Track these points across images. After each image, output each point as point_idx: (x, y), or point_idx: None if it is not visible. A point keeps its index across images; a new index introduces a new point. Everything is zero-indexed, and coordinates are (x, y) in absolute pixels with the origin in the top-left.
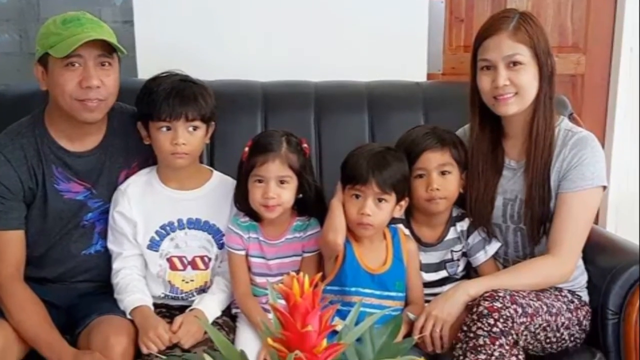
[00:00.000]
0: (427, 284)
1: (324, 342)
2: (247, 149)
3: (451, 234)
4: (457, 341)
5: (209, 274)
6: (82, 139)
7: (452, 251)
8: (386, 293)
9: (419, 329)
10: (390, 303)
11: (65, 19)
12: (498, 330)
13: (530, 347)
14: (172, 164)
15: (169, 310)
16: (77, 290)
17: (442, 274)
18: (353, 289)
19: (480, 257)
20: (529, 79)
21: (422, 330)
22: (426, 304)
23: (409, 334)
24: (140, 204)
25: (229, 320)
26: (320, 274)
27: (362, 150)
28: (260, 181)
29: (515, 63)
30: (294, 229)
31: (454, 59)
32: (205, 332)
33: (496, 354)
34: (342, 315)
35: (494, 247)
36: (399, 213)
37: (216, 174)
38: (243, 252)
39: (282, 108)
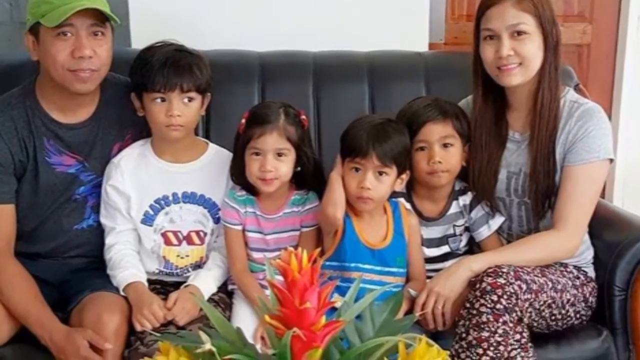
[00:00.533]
0: (429, 260)
1: (323, 319)
2: (243, 120)
3: (453, 208)
4: (459, 318)
5: (204, 249)
6: (74, 110)
7: (454, 226)
8: (387, 269)
9: (420, 306)
10: (391, 279)
11: None
12: (502, 307)
13: (535, 324)
14: (167, 136)
15: (163, 286)
16: (69, 266)
17: (444, 249)
18: (352, 264)
19: (484, 232)
20: (533, 49)
21: (424, 307)
22: (428, 280)
23: (410, 311)
24: (134, 177)
25: (225, 296)
26: (319, 249)
27: (362, 122)
28: (257, 154)
29: (519, 32)
30: (292, 203)
31: (457, 28)
32: (201, 309)
33: (500, 331)
34: (342, 291)
35: (497, 221)
36: (400, 187)
37: (212, 147)
38: (240, 227)
39: (279, 79)
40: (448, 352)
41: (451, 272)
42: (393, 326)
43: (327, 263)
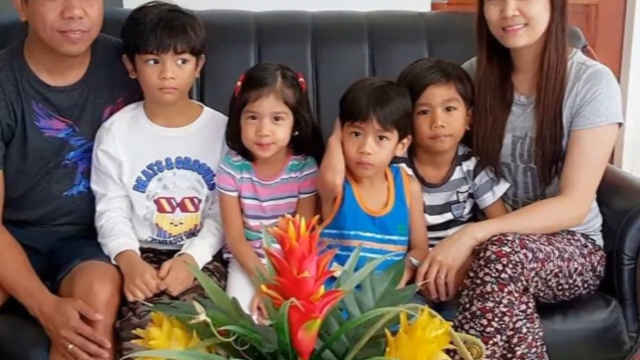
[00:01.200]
0: (431, 227)
1: (322, 289)
2: (239, 83)
3: (457, 174)
4: (463, 288)
5: (198, 216)
6: (64, 72)
7: (457, 192)
8: (387, 237)
9: (422, 275)
10: (392, 247)
11: None
12: (507, 276)
13: (541, 294)
14: (160, 99)
15: (156, 255)
16: (59, 234)
17: (447, 216)
18: (352, 232)
19: (488, 199)
20: (539, 9)
21: (426, 277)
22: (430, 249)
23: (411, 281)
24: (126, 142)
25: (220, 265)
26: (317, 217)
27: (362, 85)
28: (253, 118)
29: None
30: (289, 169)
31: None
32: (195, 279)
33: (505, 301)
34: (341, 260)
35: (502, 187)
36: (401, 152)
37: (206, 110)
38: (235, 194)
39: (277, 40)
40: (451, 323)
41: (454, 240)
42: (394, 296)
43: (326, 231)
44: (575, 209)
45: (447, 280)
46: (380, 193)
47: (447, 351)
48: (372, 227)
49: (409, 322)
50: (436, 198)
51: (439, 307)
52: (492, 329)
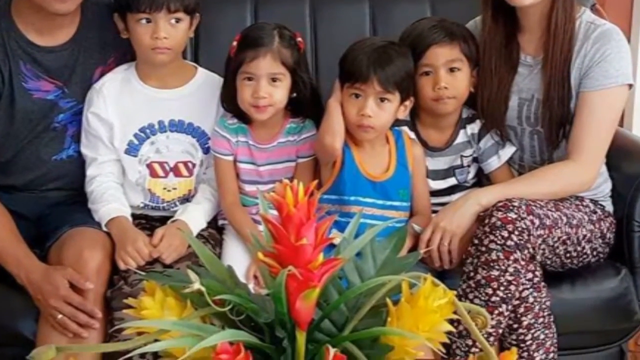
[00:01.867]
0: (435, 193)
1: (320, 257)
2: (235, 43)
3: (461, 138)
4: (467, 256)
5: (193, 181)
6: (53, 32)
7: (461, 156)
8: (389, 202)
9: (425, 242)
10: (394, 214)
11: None
12: (513, 243)
13: (548, 262)
14: (153, 60)
15: (149, 221)
16: (48, 200)
17: (451, 181)
18: (352, 198)
19: (493, 163)
20: None
21: (429, 244)
22: (433, 215)
23: (414, 248)
24: (117, 104)
25: (215, 232)
26: (316, 182)
27: (362, 45)
28: (249, 79)
29: None
30: (287, 132)
31: None
32: (189, 246)
33: (510, 269)
34: (341, 227)
35: (508, 151)
36: (403, 114)
37: (201, 71)
38: (231, 158)
39: None
40: (455, 292)
41: (458, 206)
42: (396, 264)
43: (325, 196)
44: (584, 173)
45: (450, 247)
46: (381, 157)
47: (451, 321)
48: (373, 193)
49: (411, 291)
50: (439, 162)
51: (442, 275)
52: (498, 299)
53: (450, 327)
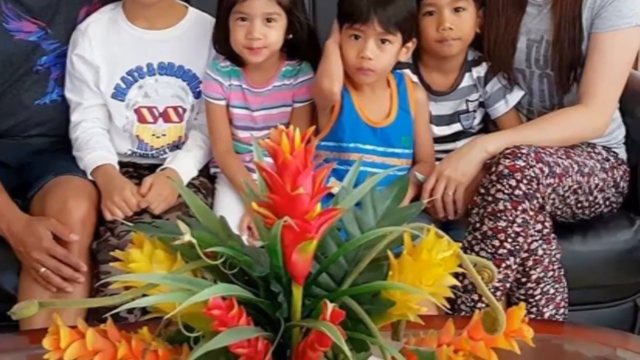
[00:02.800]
0: (438, 139)
1: (318, 207)
2: None
3: (466, 81)
4: (473, 206)
5: (183, 127)
6: None
7: (467, 101)
8: (390, 150)
9: (428, 192)
10: (395, 161)
11: None
12: (521, 193)
13: (559, 212)
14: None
15: (136, 169)
16: (30, 147)
17: (456, 127)
18: (351, 144)
19: (500, 108)
20: None
21: (433, 193)
22: (437, 163)
23: (417, 198)
24: (104, 45)
25: (206, 181)
26: (313, 128)
27: None
28: (243, 19)
29: None
30: (282, 75)
31: None
32: (179, 195)
33: (518, 220)
34: (339, 175)
35: (516, 96)
36: (405, 57)
37: (192, 11)
38: (223, 102)
39: None
40: (460, 244)
41: (463, 153)
42: (397, 215)
43: (323, 143)
44: (596, 118)
45: (455, 197)
46: (382, 102)
47: (456, 275)
48: (374, 139)
49: (413, 243)
50: (443, 107)
51: (446, 226)
52: (505, 251)
53: (455, 281)
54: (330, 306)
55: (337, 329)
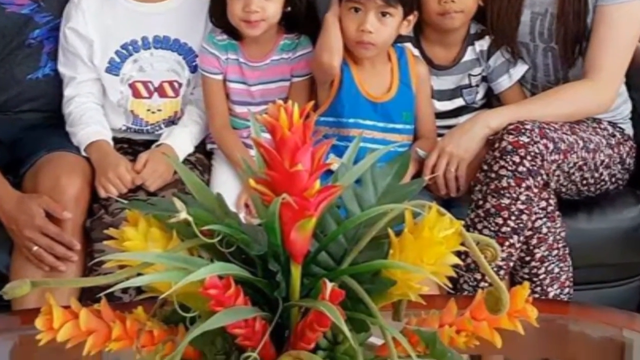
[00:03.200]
0: (440, 115)
1: (317, 184)
2: None
3: (469, 55)
4: (475, 183)
5: (179, 102)
6: None
7: (469, 75)
8: (391, 125)
9: (430, 168)
10: (396, 137)
11: None
12: (525, 169)
13: (563, 189)
14: None
15: (131, 145)
16: (22, 122)
17: (458, 102)
18: (351, 120)
19: (504, 83)
20: None
21: (434, 170)
22: (439, 139)
23: (418, 175)
24: (98, 19)
25: (203, 157)
26: (312, 103)
27: None
28: None
29: None
30: (280, 49)
31: None
32: (175, 172)
33: (522, 197)
34: (339, 151)
35: (519, 70)
36: (407, 30)
37: None
38: (220, 77)
39: None
40: (462, 222)
41: (466, 129)
42: (398, 192)
43: (322, 119)
44: (602, 93)
45: (457, 173)
46: (382, 76)
47: (458, 253)
48: (374, 115)
49: (414, 221)
50: (446, 82)
51: (448, 204)
52: (509, 229)
53: (457, 260)
54: (329, 285)
55: (336, 308)
